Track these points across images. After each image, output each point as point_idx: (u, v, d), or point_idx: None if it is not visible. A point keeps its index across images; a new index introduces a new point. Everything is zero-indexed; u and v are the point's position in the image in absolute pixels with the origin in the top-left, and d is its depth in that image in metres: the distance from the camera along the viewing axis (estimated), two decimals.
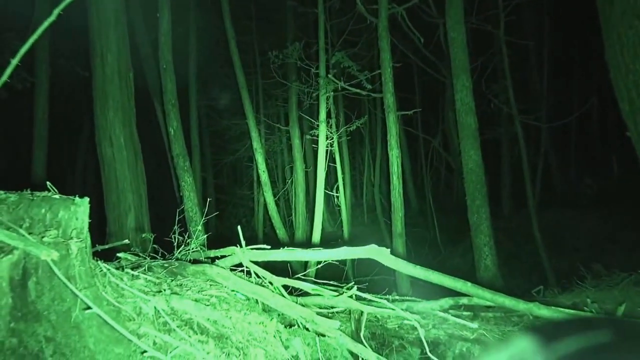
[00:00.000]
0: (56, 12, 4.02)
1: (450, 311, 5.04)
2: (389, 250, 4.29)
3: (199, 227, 5.55)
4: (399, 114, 9.93)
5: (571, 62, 20.61)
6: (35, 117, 11.40)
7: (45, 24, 3.91)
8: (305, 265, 9.65)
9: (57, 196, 3.20)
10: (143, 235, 6.07)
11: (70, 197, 3.17)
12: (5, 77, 3.95)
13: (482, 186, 8.98)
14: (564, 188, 19.11)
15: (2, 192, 3.20)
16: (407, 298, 5.64)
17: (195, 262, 4.35)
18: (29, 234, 2.81)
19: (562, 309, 3.96)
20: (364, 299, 4.36)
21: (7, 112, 17.22)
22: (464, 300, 5.01)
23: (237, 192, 20.04)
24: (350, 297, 4.24)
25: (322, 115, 10.58)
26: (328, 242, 11.05)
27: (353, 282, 4.39)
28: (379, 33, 9.47)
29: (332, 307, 4.64)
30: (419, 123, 19.98)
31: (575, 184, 19.08)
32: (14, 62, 3.83)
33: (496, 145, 18.13)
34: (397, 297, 5.64)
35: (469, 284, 4.11)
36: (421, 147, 20.47)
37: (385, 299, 4.62)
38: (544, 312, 3.88)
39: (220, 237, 16.16)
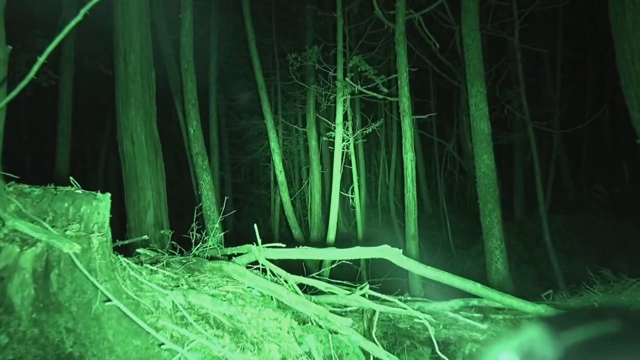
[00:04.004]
0: (83, 12, 4.14)
1: (461, 312, 5.09)
2: (400, 250, 4.36)
3: (217, 225, 5.64)
4: (414, 118, 9.96)
5: (584, 70, 20.50)
6: (59, 114, 11.63)
7: (72, 23, 4.02)
8: (320, 265, 9.73)
9: (79, 191, 3.30)
10: (161, 232, 6.17)
11: (93, 192, 3.28)
12: (32, 74, 4.07)
13: (494, 190, 8.99)
14: (575, 193, 18.99)
15: (26, 186, 3.32)
16: (419, 299, 5.71)
17: (212, 259, 4.45)
18: (52, 227, 2.92)
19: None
20: (377, 298, 4.43)
21: (32, 109, 17.57)
22: (474, 302, 5.06)
23: (255, 191, 20.17)
24: (363, 296, 4.31)
25: (339, 117, 10.66)
26: (343, 242, 11.11)
27: (366, 283, 4.45)
28: (396, 38, 9.52)
29: (345, 306, 4.72)
30: (433, 127, 19.95)
31: (586, 190, 18.95)
32: (41, 59, 3.96)
33: (509, 150, 18.10)
34: (409, 298, 5.71)
35: (479, 285, 4.17)
36: (436, 151, 20.45)
37: (398, 299, 4.68)
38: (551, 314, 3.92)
39: (238, 235, 16.24)
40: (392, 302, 4.27)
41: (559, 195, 18.08)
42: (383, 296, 4.31)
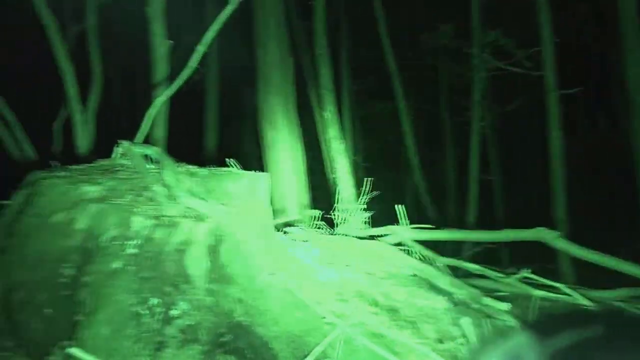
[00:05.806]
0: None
1: (629, 304, 4.66)
2: (558, 233, 4.10)
3: (361, 206, 5.71)
4: (561, 93, 9.24)
5: None
6: (206, 105, 12.49)
7: (227, 11, 4.28)
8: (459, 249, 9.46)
9: (240, 171, 3.49)
10: (308, 212, 6.34)
11: (252, 171, 3.44)
12: (193, 63, 4.41)
13: None
14: None
15: (193, 167, 3.56)
16: (577, 287, 5.32)
17: (358, 239, 4.47)
18: (220, 204, 3.11)
19: None
20: (532, 283, 4.20)
21: (181, 103, 19.00)
22: None
23: (386, 175, 20.11)
24: (519, 280, 4.11)
25: (477, 95, 10.26)
26: (481, 225, 10.74)
27: (526, 268, 4.22)
28: (538, 7, 8.88)
29: (495, 291, 4.53)
30: (579, 104, 18.47)
31: None
32: (201, 49, 4.28)
33: None
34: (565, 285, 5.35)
35: None
36: (584, 130, 18.97)
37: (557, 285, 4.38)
38: None
39: (372, 220, 16.33)
40: (555, 286, 4.00)
41: None
42: (543, 280, 4.06)
